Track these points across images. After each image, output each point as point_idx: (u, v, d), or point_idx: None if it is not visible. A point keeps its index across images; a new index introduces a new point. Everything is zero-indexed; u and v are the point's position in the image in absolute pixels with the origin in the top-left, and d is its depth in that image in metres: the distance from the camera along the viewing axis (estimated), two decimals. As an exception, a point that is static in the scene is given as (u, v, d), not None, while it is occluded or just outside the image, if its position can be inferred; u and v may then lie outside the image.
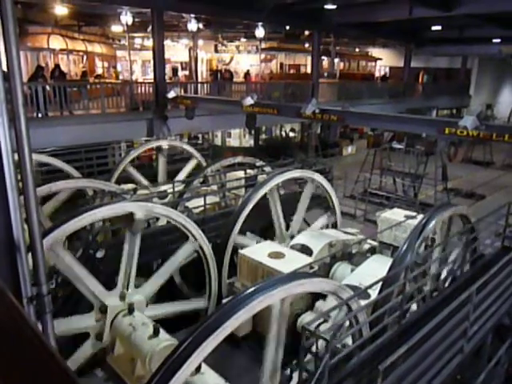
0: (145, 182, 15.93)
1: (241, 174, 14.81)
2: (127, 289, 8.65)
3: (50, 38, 28.79)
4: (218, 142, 38.20)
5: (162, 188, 14.83)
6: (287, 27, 36.40)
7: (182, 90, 24.88)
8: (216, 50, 44.87)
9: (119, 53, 39.59)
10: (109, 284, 8.60)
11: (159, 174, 17.14)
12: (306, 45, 42.32)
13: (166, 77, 27.22)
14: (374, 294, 7.70)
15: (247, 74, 38.30)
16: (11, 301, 2.02)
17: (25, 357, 1.71)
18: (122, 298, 8.46)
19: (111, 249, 9.70)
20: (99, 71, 34.73)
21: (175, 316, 9.44)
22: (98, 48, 35.22)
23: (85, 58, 33.13)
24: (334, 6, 25.38)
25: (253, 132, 36.79)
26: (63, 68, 27.86)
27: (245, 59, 44.88)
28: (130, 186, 14.23)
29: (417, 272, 7.83)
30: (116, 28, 33.58)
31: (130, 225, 8.67)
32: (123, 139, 22.25)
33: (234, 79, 36.26)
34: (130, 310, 8.15)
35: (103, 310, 8.21)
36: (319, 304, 8.41)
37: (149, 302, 9.05)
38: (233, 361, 7.61)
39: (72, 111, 20.97)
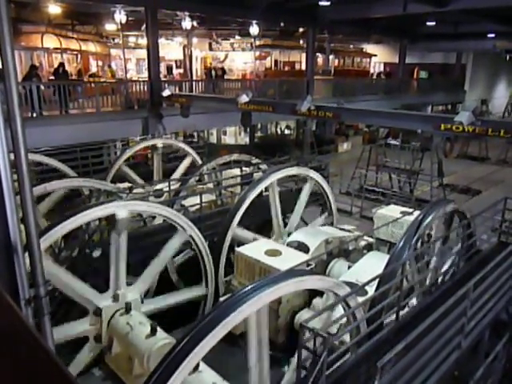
0: (140, 180, 15.90)
1: (236, 171, 14.78)
2: (119, 288, 8.63)
3: (43, 37, 28.66)
4: (213, 139, 38.15)
5: (158, 186, 14.81)
6: (282, 24, 36.35)
7: (177, 88, 24.84)
8: (210, 48, 44.74)
9: (113, 51, 39.40)
10: (106, 283, 8.58)
11: (154, 172, 17.12)
12: (301, 42, 42.29)
13: (161, 75, 27.15)
14: (371, 290, 7.71)
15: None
16: (9, 303, 2.01)
17: (23, 359, 1.70)
18: (116, 298, 8.45)
19: (108, 248, 9.67)
20: (93, 70, 34.63)
21: (173, 314, 9.45)
22: (92, 47, 35.08)
23: (79, 56, 33.01)
24: (328, 3, 25.39)
25: (248, 130, 36.75)
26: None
27: (239, 57, 44.78)
28: (126, 184, 14.20)
29: (414, 268, 7.85)
30: (110, 27, 33.49)
31: (113, 225, 8.65)
32: (118, 138, 22.21)
33: (229, 77, 36.17)
34: (127, 308, 8.14)
35: (98, 312, 8.21)
36: (316, 301, 8.42)
37: (143, 299, 9.05)
38: (231, 359, 7.61)
39: (67, 110, 20.91)
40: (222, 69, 35.25)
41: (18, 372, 1.67)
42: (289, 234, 11.61)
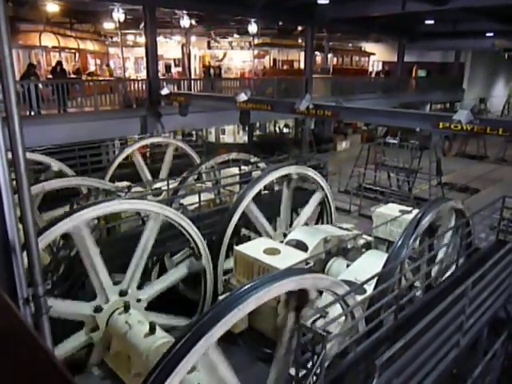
0: (148, 175, 16.64)
1: (235, 170, 14.77)
2: (130, 287, 8.81)
3: (41, 35, 28.63)
4: (211, 138, 38.11)
5: (157, 185, 14.80)
6: (280, 23, 36.32)
7: (176, 87, 24.82)
8: (209, 47, 44.71)
9: (111, 50, 39.36)
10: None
11: (162, 170, 17.44)
12: (299, 40, 42.26)
13: (159, 73, 27.11)
14: (369, 289, 7.71)
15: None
16: (7, 303, 2.01)
17: (22, 359, 1.70)
18: (124, 294, 8.56)
19: (106, 247, 9.67)
20: (91, 68, 34.59)
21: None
22: (90, 45, 35.04)
23: (77, 55, 32.97)
24: (327, 1, 25.35)
25: (247, 128, 36.73)
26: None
27: (238, 55, 44.75)
28: (125, 183, 14.19)
29: (412, 266, 7.85)
30: (108, 25, 33.42)
31: None
32: (117, 137, 22.20)
33: (228, 75, 36.15)
34: (126, 307, 8.16)
35: (105, 302, 8.37)
36: (315, 300, 8.41)
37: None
38: (229, 358, 7.60)
39: (66, 109, 20.88)
40: (219, 67, 35.31)
41: (17, 372, 1.66)
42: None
